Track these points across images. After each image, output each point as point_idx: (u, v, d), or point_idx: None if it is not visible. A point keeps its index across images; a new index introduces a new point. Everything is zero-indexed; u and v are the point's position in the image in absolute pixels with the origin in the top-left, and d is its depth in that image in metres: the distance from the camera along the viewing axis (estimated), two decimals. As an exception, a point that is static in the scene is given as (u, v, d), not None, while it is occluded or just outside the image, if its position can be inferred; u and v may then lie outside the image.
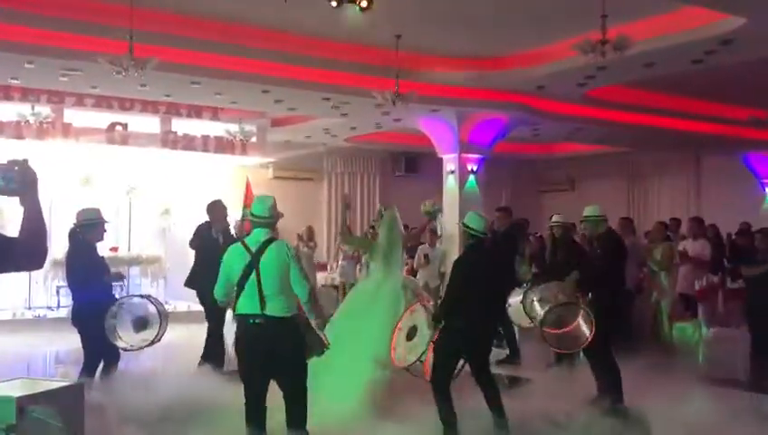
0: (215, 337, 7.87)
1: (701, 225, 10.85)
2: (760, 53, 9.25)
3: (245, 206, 9.94)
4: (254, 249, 4.95)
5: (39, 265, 2.60)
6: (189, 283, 8.16)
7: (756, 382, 7.96)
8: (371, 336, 6.31)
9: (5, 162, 2.60)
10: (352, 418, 5.82)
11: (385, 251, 7.11)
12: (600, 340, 6.58)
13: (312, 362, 5.10)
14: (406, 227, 8.11)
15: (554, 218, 8.57)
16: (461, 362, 5.78)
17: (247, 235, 5.63)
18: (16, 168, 2.58)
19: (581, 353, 7.17)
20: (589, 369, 6.99)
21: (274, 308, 4.85)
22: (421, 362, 5.73)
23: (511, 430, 5.64)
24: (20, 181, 2.58)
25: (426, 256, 10.78)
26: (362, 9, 7.14)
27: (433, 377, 5.62)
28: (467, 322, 5.58)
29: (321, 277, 14.12)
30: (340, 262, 14.12)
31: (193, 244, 8.18)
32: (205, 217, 8.12)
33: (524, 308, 6.88)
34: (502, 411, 5.65)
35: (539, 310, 6.75)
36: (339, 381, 6.12)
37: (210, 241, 7.78)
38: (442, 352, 5.64)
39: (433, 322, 5.73)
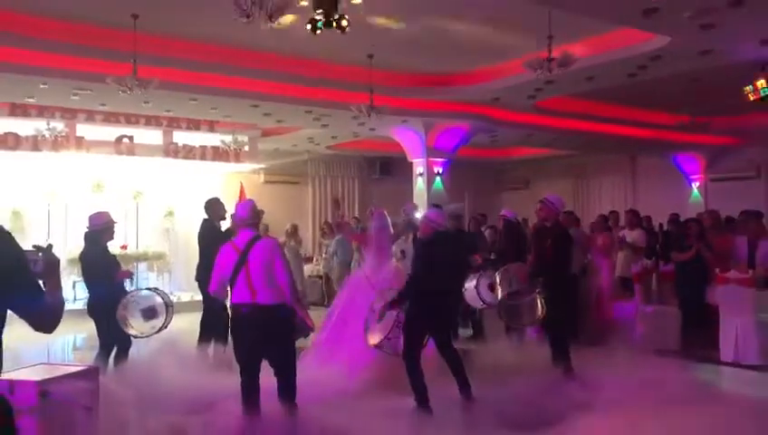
0: (213, 318, 7.47)
1: (637, 216, 10.97)
2: (683, 66, 9.37)
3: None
4: (242, 248, 4.96)
5: (49, 331, 2.55)
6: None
7: (686, 352, 8.09)
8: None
9: (32, 248, 2.50)
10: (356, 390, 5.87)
11: (377, 244, 7.19)
12: (553, 316, 6.71)
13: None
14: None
15: (503, 212, 8.67)
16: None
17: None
18: (41, 254, 2.50)
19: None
20: (530, 343, 7.12)
21: (264, 297, 4.87)
22: (388, 339, 5.76)
23: (474, 395, 5.70)
24: (44, 266, 2.51)
25: (402, 252, 10.75)
26: (342, 29, 6.96)
27: (404, 352, 5.66)
28: (431, 303, 5.63)
29: (307, 269, 14.10)
30: (323, 256, 14.13)
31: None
32: (203, 218, 7.95)
33: (478, 291, 6.95)
34: (466, 380, 5.70)
35: (498, 291, 6.84)
36: (349, 359, 6.30)
37: (210, 236, 7.59)
38: (411, 330, 5.67)
39: (393, 303, 5.76)
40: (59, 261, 2.54)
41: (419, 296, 5.65)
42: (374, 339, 5.88)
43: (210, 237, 7.32)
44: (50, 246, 2.54)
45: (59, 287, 2.54)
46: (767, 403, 6.29)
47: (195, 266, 7.73)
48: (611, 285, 9.60)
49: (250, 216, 5.15)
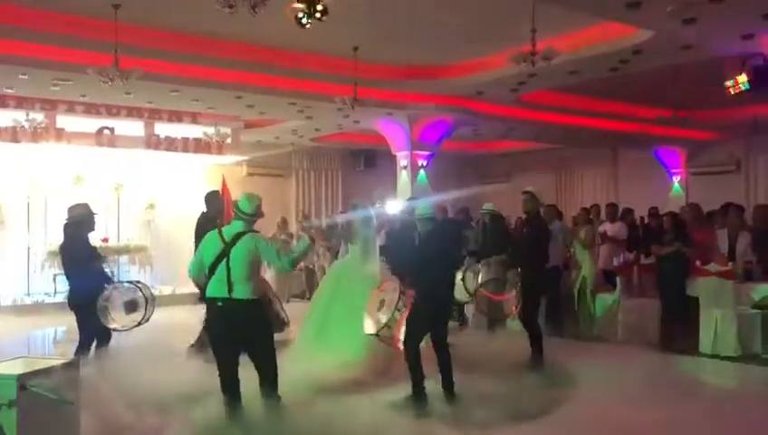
0: None
1: (616, 209, 11.04)
2: (664, 60, 9.44)
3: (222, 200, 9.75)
4: (227, 239, 4.92)
5: None
6: None
7: (665, 344, 8.17)
8: (358, 312, 6.27)
9: None
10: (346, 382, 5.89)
11: (363, 239, 7.17)
12: (528, 308, 6.79)
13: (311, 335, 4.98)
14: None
15: (485, 206, 8.67)
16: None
17: (225, 224, 5.56)
18: None
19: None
20: (512, 334, 7.20)
21: (240, 292, 4.84)
22: (389, 327, 5.78)
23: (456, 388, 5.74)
24: None
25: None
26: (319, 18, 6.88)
27: (406, 343, 5.69)
28: (433, 297, 5.66)
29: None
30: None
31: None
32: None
33: (465, 284, 6.99)
34: (450, 377, 5.74)
35: (477, 282, 6.90)
36: (335, 351, 6.32)
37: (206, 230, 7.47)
38: (413, 322, 5.70)
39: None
40: None
41: (423, 285, 5.67)
42: (371, 327, 5.90)
43: (206, 231, 7.25)
44: None
45: None
46: (745, 394, 6.39)
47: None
48: (594, 278, 9.67)
49: (254, 212, 5.04)
